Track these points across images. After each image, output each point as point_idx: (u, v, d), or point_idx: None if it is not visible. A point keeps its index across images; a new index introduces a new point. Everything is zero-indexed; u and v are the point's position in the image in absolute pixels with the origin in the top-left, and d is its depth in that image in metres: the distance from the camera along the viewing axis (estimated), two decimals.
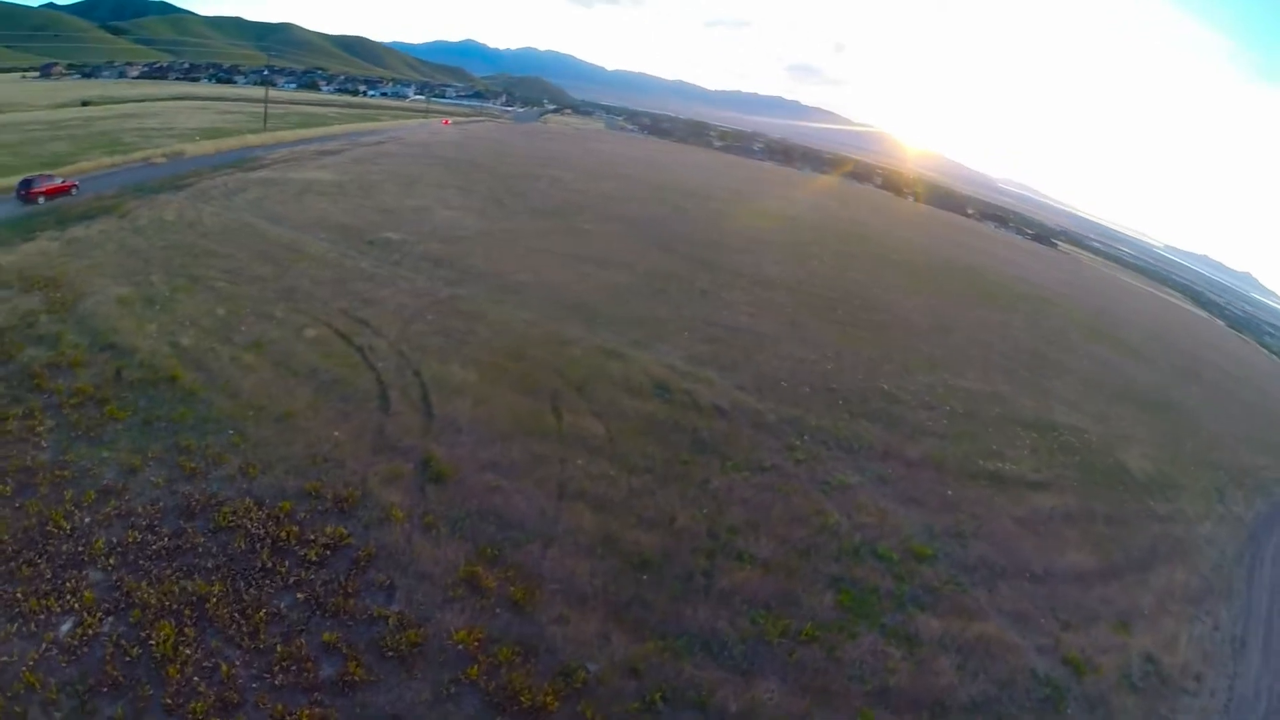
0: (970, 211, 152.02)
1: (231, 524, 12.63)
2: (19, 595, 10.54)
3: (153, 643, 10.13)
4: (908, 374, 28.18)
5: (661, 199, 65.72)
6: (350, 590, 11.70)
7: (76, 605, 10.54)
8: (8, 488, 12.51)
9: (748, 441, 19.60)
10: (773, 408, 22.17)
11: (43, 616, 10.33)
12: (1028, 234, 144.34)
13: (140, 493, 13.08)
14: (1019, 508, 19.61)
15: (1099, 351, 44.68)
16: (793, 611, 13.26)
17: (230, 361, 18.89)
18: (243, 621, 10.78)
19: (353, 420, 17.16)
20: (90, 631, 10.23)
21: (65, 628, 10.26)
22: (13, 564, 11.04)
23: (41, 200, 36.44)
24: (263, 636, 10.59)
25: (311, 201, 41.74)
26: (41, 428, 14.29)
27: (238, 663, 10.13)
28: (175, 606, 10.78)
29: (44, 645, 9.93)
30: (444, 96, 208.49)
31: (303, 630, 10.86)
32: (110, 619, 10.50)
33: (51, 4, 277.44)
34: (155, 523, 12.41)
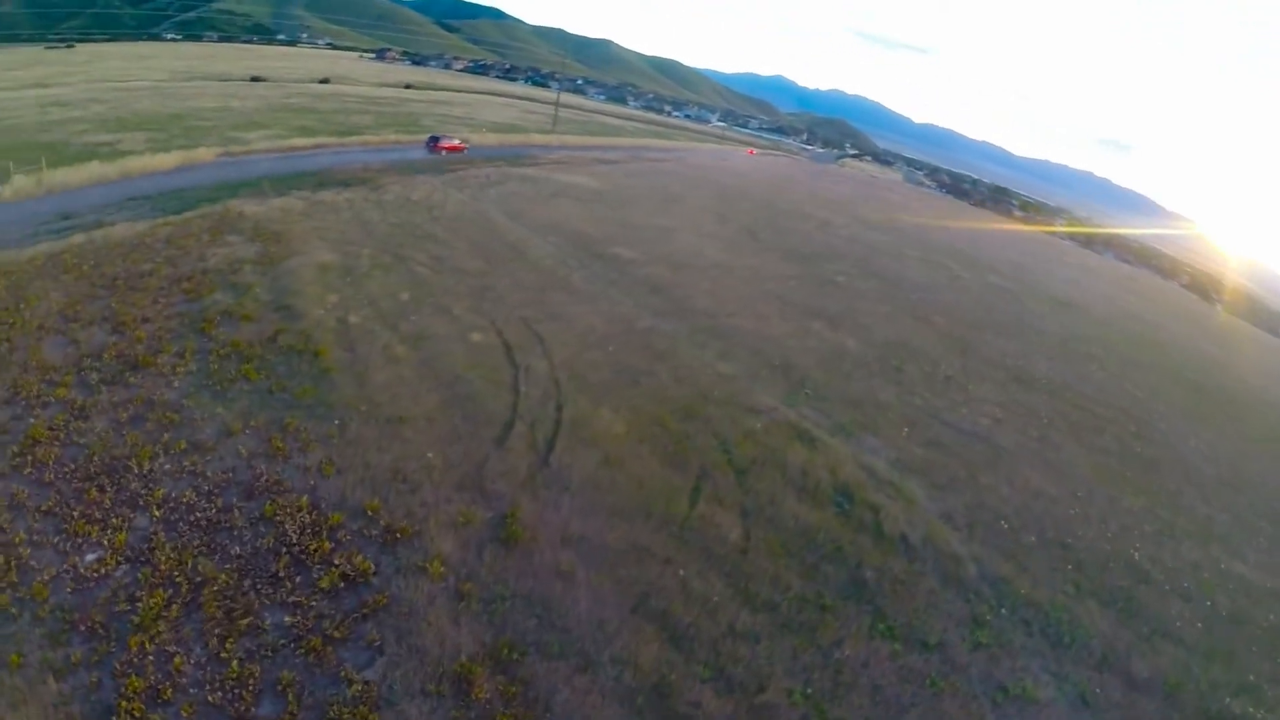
0: None
1: (275, 517, 14.39)
2: (75, 514, 13.31)
3: (140, 606, 11.89)
4: (1171, 541, 23.30)
5: (935, 262, 64.91)
6: (337, 636, 12.39)
7: (107, 542, 12.92)
8: (125, 415, 16.03)
9: (923, 599, 16.67)
10: (977, 555, 18.86)
11: (80, 541, 12.87)
12: None
13: (221, 458, 15.68)
14: None
15: None
16: None
17: (381, 349, 21.92)
18: (224, 623, 12.10)
19: (460, 444, 18.51)
20: (104, 571, 12.42)
21: (89, 558, 12.63)
22: (88, 484, 14.02)
23: (443, 153, 51.28)
24: (230, 646, 11.72)
25: (560, 205, 47.43)
26: (183, 369, 18.13)
27: (192, 662, 11.35)
28: (178, 580, 12.55)
29: (65, 566, 12.33)
30: (745, 126, 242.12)
31: (269, 657, 11.77)
32: (125, 567, 12.64)
33: None
34: (215, 491, 14.72)
